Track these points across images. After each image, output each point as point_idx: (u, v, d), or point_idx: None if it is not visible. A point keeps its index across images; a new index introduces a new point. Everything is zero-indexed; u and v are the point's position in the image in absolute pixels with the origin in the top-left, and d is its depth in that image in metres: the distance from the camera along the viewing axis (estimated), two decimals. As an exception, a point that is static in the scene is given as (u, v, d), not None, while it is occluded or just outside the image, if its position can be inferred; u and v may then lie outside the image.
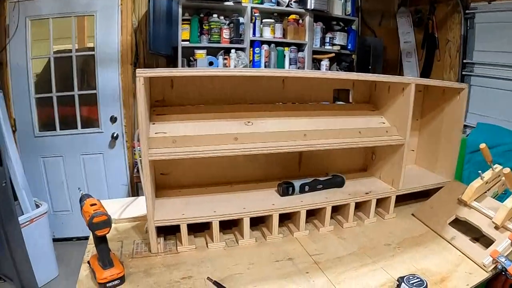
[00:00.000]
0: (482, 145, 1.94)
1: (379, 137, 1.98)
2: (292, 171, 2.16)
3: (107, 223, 1.38)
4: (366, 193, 2.00)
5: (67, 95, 4.31)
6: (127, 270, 1.50)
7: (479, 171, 1.98)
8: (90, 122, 4.46)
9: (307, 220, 1.89)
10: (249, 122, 1.78)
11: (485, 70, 4.00)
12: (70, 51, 4.26)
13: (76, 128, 4.41)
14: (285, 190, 1.90)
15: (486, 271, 1.66)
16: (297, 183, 1.92)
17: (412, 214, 2.16)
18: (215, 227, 1.68)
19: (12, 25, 3.98)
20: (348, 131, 1.91)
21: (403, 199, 2.20)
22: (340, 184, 2.07)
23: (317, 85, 2.13)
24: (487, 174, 2.00)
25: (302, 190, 1.94)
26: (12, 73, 4.08)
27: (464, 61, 4.21)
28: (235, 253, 1.69)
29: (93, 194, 1.54)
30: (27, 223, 3.50)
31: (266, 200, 1.85)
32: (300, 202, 1.85)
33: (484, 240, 1.81)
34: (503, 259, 1.63)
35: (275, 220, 1.79)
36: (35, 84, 4.22)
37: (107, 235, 1.43)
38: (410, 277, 1.45)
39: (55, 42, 4.23)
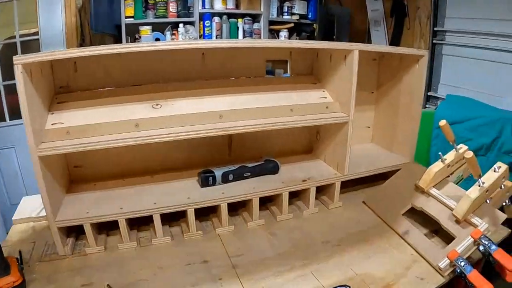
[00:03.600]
0: (442, 122, 1.66)
1: (317, 114, 1.70)
2: (221, 157, 1.91)
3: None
4: (303, 181, 1.76)
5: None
6: (31, 276, 1.33)
7: (439, 153, 1.70)
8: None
9: (237, 213, 1.74)
10: (157, 104, 1.54)
11: (457, 38, 3.78)
12: (22, 36, 4.03)
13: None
14: (204, 180, 1.67)
15: (442, 276, 1.41)
16: (218, 172, 1.68)
17: (363, 202, 1.91)
18: (122, 226, 1.50)
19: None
20: (275, 109, 1.64)
21: (356, 183, 1.98)
22: (273, 170, 1.80)
23: (246, 57, 1.85)
24: (450, 156, 1.72)
25: (225, 180, 1.70)
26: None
27: (435, 29, 3.97)
28: (147, 254, 1.50)
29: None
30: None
31: (183, 193, 1.63)
32: (221, 194, 1.63)
33: (445, 234, 1.55)
34: (462, 263, 1.35)
35: (191, 216, 1.58)
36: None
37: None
38: None
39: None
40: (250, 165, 1.76)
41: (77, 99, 1.53)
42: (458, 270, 1.35)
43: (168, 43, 1.40)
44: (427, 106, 4.04)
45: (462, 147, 1.72)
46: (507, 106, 3.02)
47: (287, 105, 1.67)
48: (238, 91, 1.69)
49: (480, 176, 1.52)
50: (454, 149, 1.71)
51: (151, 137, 1.42)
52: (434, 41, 3.94)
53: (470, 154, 1.45)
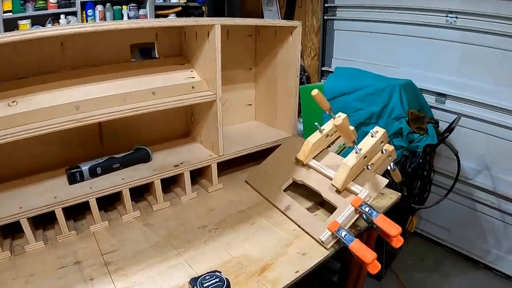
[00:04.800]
0: (314, 92, 1.61)
1: (182, 95, 1.63)
2: (94, 150, 1.76)
3: None
4: (176, 166, 1.68)
5: None
6: None
7: (316, 123, 1.66)
8: None
9: (114, 207, 1.64)
10: (13, 102, 1.40)
11: (347, 13, 3.79)
12: None
13: None
14: (71, 176, 1.55)
15: (326, 248, 1.37)
16: (85, 166, 1.56)
17: (246, 181, 1.86)
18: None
19: None
20: (136, 94, 1.54)
21: (240, 163, 1.95)
22: (144, 158, 1.71)
23: (109, 43, 1.72)
24: (327, 125, 1.70)
25: (93, 174, 1.58)
26: None
27: (326, 5, 3.95)
28: (21, 262, 1.37)
29: None
30: None
31: (51, 193, 1.49)
32: (89, 190, 1.50)
33: (330, 206, 1.51)
34: (343, 233, 1.31)
35: (60, 217, 1.44)
36: None
37: None
38: (207, 277, 1.13)
39: None
40: (119, 156, 1.66)
41: None
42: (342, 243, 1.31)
43: (15, 33, 1.25)
44: (322, 80, 4.04)
45: (340, 116, 1.68)
46: (404, 76, 3.06)
47: (148, 89, 1.58)
48: (99, 79, 1.57)
49: (355, 143, 1.49)
50: (332, 118, 1.66)
51: (3, 137, 1.29)
52: (325, 17, 3.93)
53: (338, 121, 1.41)
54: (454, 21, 2.90)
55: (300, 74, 3.91)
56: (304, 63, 4.28)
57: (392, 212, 2.61)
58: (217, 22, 1.56)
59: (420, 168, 2.60)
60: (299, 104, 2.79)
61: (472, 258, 3.25)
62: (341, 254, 1.40)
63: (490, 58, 2.79)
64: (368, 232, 1.68)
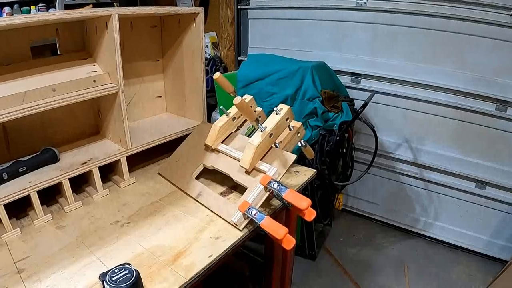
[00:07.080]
0: (216, 75, 1.62)
1: (83, 90, 1.57)
2: (0, 155, 1.67)
3: None
4: (83, 163, 1.62)
5: None
6: None
7: (221, 107, 1.67)
8: None
9: (26, 213, 1.56)
10: None
11: (260, 1, 3.80)
12: None
13: None
14: None
15: (239, 230, 1.38)
16: None
17: (159, 173, 1.84)
18: None
19: None
20: (36, 93, 1.47)
21: (153, 155, 1.94)
22: (51, 159, 1.64)
23: (8, 42, 1.62)
24: (233, 109, 1.70)
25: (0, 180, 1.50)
26: None
27: (239, -5, 3.96)
28: None
29: None
30: None
31: None
32: None
33: (243, 189, 1.51)
34: (253, 212, 1.33)
35: None
36: None
37: None
38: (116, 271, 1.11)
39: None
40: (25, 159, 1.58)
41: None
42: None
43: None
44: (239, 70, 4.07)
45: (247, 98, 1.69)
46: (318, 59, 3.11)
47: (48, 86, 1.51)
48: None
49: (258, 121, 1.50)
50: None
51: None
52: (239, 7, 3.93)
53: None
54: (365, 3, 2.99)
55: (217, 65, 3.93)
56: (220, 54, 4.28)
57: (317, 193, 2.65)
58: (114, 12, 1.52)
59: (338, 145, 2.64)
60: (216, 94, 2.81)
61: (402, 228, 3.39)
62: (264, 236, 1.40)
63: (400, 36, 2.91)
64: (287, 212, 1.70)
